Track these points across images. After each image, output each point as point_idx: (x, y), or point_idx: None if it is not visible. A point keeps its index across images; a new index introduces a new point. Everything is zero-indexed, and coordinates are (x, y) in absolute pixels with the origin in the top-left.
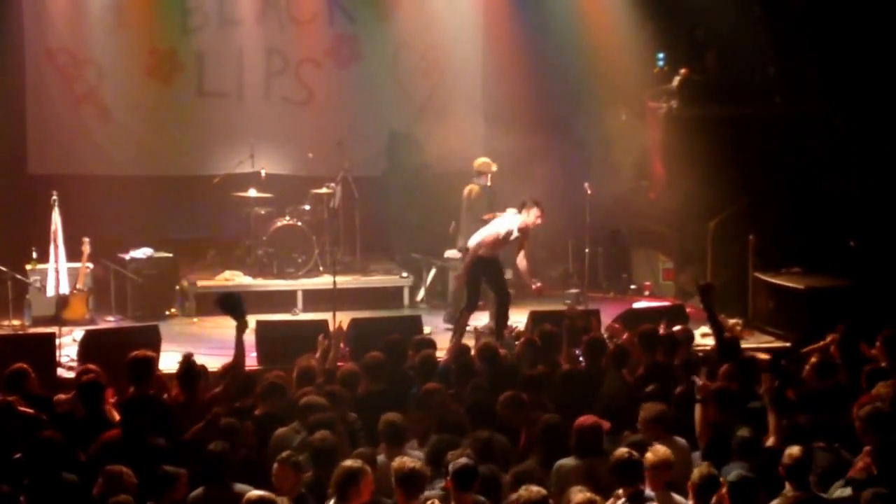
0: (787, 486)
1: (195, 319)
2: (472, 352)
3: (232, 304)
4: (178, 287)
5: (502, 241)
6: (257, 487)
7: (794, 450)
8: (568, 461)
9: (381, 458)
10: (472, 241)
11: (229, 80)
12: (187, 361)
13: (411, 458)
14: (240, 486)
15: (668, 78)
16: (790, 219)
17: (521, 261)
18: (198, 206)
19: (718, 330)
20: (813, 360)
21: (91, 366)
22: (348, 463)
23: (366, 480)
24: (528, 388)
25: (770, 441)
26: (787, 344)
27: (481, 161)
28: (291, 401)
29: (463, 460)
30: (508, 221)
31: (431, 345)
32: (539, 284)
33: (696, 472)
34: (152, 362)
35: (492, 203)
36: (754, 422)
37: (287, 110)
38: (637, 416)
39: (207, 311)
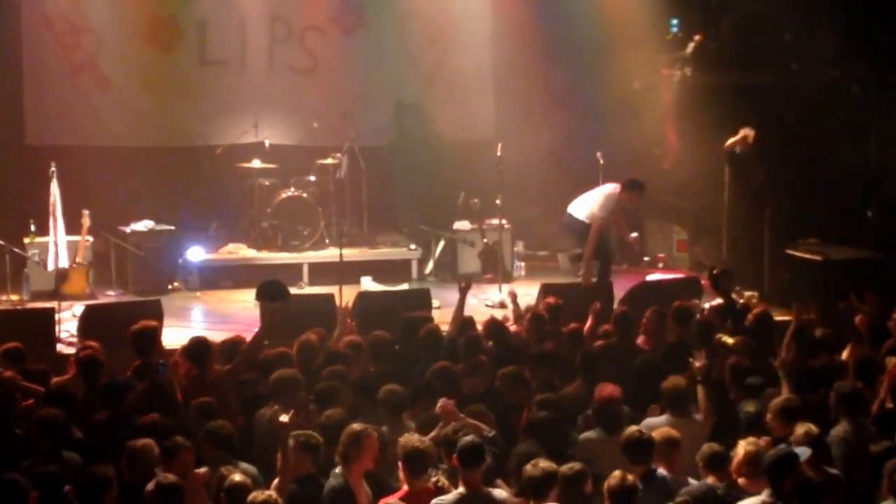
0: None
1: (198, 293)
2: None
3: (275, 291)
4: (180, 260)
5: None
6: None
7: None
8: (591, 434)
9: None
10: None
11: (232, 48)
12: (197, 337)
13: (418, 436)
14: (244, 466)
15: (683, 44)
16: (807, 189)
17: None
18: (200, 177)
19: (735, 315)
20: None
21: (90, 342)
22: (354, 426)
23: (369, 444)
24: (534, 365)
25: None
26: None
27: None
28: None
29: (469, 438)
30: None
31: (430, 320)
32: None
33: (704, 449)
34: (156, 333)
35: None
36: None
37: (291, 79)
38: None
39: (211, 284)
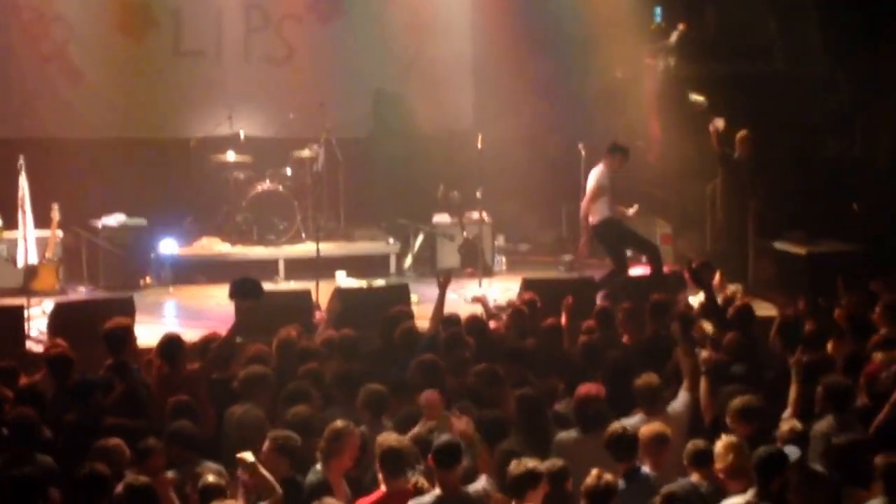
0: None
1: (171, 289)
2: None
3: (249, 288)
4: (152, 255)
5: (595, 196)
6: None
7: (794, 423)
8: (568, 434)
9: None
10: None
11: (206, 37)
12: (170, 335)
13: (395, 436)
14: (210, 465)
15: (666, 34)
16: (792, 181)
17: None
18: (173, 170)
19: (716, 309)
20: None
21: (59, 340)
22: (337, 423)
23: (350, 442)
24: (510, 362)
25: (787, 414)
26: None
27: None
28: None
29: (444, 437)
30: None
31: (409, 316)
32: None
33: (689, 446)
34: (130, 331)
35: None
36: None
37: (267, 69)
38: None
39: (184, 280)
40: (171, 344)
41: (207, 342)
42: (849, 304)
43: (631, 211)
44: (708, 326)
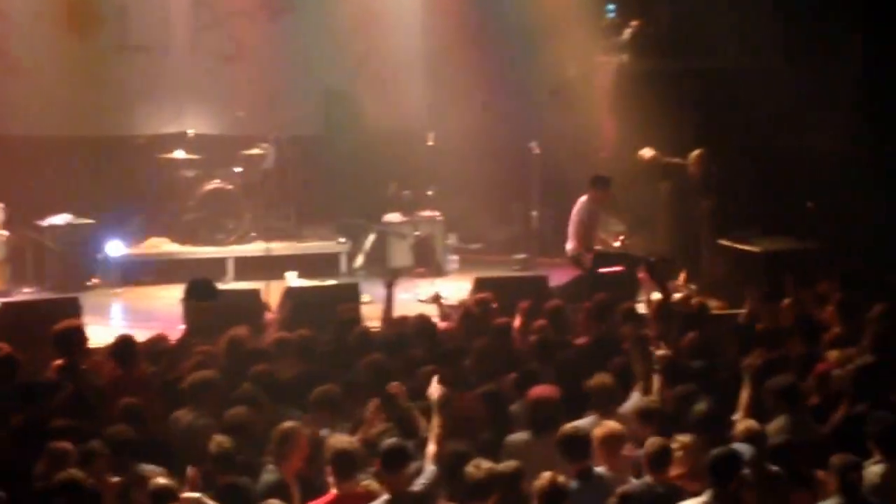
0: None
1: (118, 290)
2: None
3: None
4: (99, 255)
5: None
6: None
7: (750, 423)
8: (519, 436)
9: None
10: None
11: (154, 33)
12: (124, 336)
13: (346, 438)
14: (145, 468)
15: (619, 30)
16: (745, 178)
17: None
18: (121, 168)
19: (667, 303)
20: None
21: (2, 344)
22: (285, 425)
23: (298, 443)
24: (447, 361)
25: (739, 416)
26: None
27: None
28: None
29: (391, 440)
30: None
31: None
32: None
33: (647, 446)
34: (81, 332)
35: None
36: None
37: (216, 66)
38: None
39: (131, 280)
40: (124, 346)
41: (155, 344)
42: (795, 303)
43: (616, 243)
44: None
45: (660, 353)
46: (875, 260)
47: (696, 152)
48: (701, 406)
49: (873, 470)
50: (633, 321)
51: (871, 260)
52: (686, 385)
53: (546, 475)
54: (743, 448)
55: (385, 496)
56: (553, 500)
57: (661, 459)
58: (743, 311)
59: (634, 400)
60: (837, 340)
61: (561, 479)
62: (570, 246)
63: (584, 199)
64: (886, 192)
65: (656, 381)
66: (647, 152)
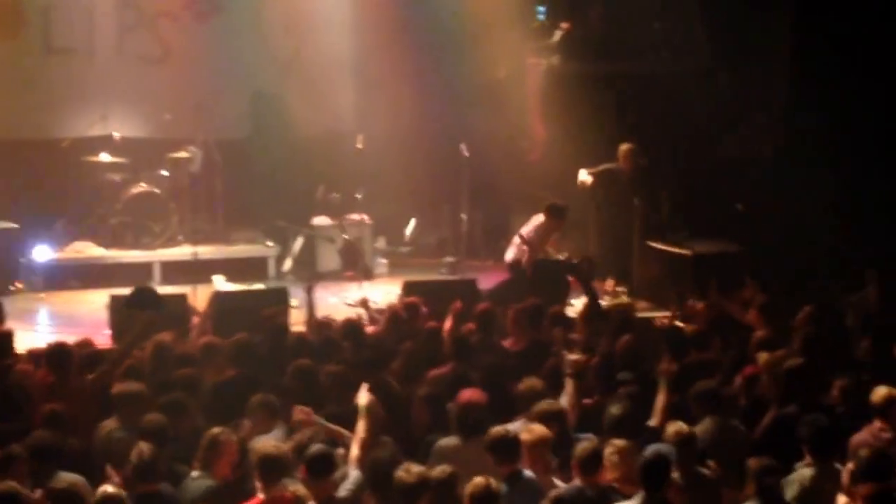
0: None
1: (42, 294)
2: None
3: (147, 299)
4: (23, 260)
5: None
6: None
7: (680, 426)
8: (448, 441)
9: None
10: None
11: (78, 35)
12: (59, 343)
13: (273, 442)
14: (65, 476)
15: (549, 32)
16: (677, 181)
17: None
18: (45, 172)
19: (595, 306)
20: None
21: None
22: (213, 431)
23: (227, 450)
24: (371, 366)
25: (654, 421)
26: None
27: None
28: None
29: (317, 447)
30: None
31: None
32: None
33: (578, 450)
34: (10, 337)
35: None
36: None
37: (142, 68)
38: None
39: (56, 285)
40: (59, 353)
41: (89, 349)
42: (712, 306)
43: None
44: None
45: (572, 357)
46: (803, 263)
47: (624, 146)
48: (615, 409)
49: (803, 472)
50: (563, 325)
51: (799, 263)
52: (605, 388)
53: (479, 479)
54: (669, 451)
55: (311, 503)
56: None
57: (591, 463)
58: (668, 313)
59: (564, 403)
60: (763, 343)
61: (494, 483)
62: (511, 256)
63: (542, 219)
64: (816, 195)
65: (568, 384)
66: (587, 178)
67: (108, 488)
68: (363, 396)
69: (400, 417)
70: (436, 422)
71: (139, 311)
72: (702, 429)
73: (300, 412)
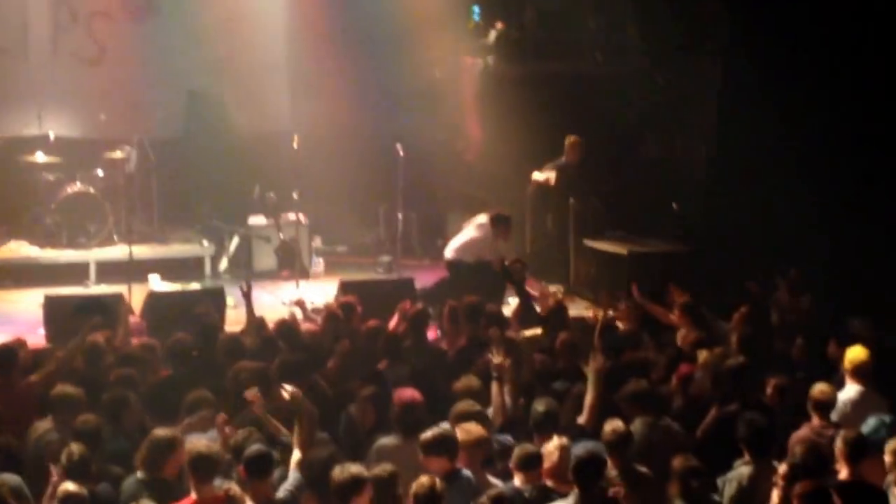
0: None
1: None
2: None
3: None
4: None
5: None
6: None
7: (616, 424)
8: (389, 440)
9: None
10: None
11: (12, 34)
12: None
13: (205, 442)
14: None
15: (485, 33)
16: (612, 180)
17: None
18: None
19: (527, 307)
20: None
21: None
22: (157, 432)
23: (179, 452)
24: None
25: (583, 419)
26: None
27: None
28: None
29: (255, 447)
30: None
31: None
32: None
33: (516, 450)
34: None
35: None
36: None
37: (77, 68)
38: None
39: None
40: (4, 354)
41: (29, 350)
42: (636, 306)
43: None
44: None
45: (495, 360)
46: (739, 262)
47: (572, 138)
48: (541, 406)
49: (741, 471)
50: (499, 324)
51: (735, 262)
52: (530, 389)
53: (424, 479)
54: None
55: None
56: (430, 503)
57: (529, 462)
58: (601, 311)
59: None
60: (698, 343)
61: (439, 482)
62: (452, 255)
63: (487, 225)
64: (750, 195)
65: (494, 386)
66: (550, 175)
67: (70, 486)
68: (287, 394)
69: (333, 417)
70: (378, 421)
71: (86, 315)
72: (633, 429)
73: (251, 395)
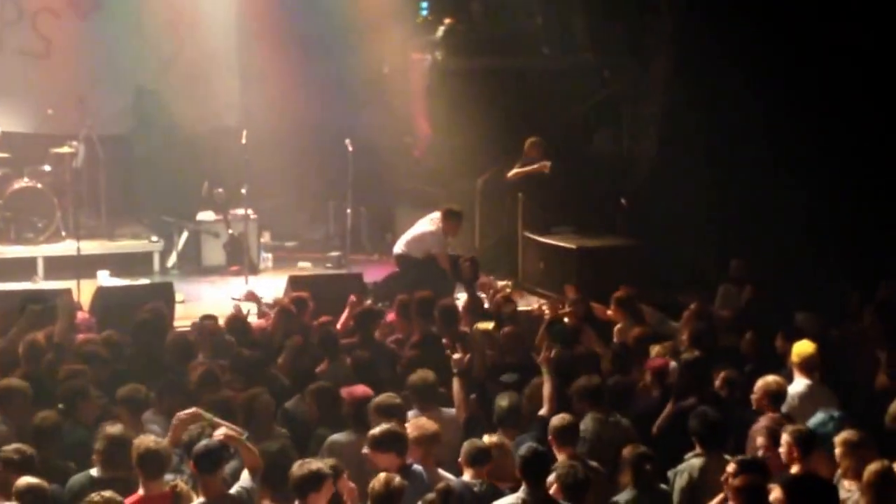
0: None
1: None
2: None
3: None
4: None
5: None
6: None
7: (564, 416)
8: (342, 436)
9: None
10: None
11: None
12: None
13: (153, 437)
14: None
15: (433, 28)
16: (560, 175)
17: None
18: None
19: (475, 302)
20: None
21: None
22: (111, 430)
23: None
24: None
25: (544, 410)
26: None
27: None
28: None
29: (205, 442)
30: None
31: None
32: None
33: (466, 445)
34: None
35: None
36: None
37: (23, 64)
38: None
39: None
40: None
41: None
42: (577, 301)
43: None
44: (484, 325)
45: (455, 357)
46: (687, 256)
47: (532, 139)
48: (503, 401)
49: (692, 463)
50: (452, 318)
51: (683, 256)
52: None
53: (382, 475)
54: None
55: (201, 499)
56: (388, 500)
57: (478, 457)
58: (548, 305)
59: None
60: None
61: (397, 479)
62: (401, 250)
63: (437, 220)
64: (697, 190)
65: (455, 383)
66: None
67: (29, 479)
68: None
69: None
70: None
71: (31, 305)
72: (583, 425)
73: (185, 415)
